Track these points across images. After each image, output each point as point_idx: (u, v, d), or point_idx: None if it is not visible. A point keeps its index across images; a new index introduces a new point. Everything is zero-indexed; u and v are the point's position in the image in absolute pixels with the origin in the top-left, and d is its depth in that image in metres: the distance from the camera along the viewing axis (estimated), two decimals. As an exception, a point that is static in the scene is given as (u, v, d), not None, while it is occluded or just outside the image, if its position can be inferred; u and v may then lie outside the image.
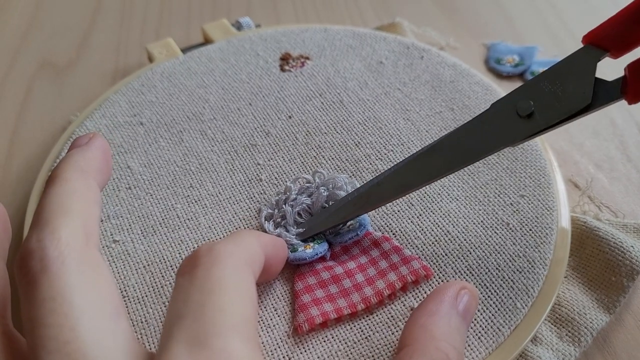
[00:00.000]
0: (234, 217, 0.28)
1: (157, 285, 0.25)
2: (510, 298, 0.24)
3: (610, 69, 0.23)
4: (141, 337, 0.23)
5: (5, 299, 0.17)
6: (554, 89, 0.22)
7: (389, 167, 0.29)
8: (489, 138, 0.23)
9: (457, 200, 0.28)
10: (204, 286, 0.16)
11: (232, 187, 0.29)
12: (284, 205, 0.27)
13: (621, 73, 0.22)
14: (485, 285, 0.24)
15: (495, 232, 0.26)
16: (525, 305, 0.24)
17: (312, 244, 0.25)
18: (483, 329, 0.23)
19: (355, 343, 0.23)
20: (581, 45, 0.23)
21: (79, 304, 0.15)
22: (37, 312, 0.15)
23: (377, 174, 0.25)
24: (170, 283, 0.25)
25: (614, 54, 0.22)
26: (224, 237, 0.27)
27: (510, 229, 0.26)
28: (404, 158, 0.24)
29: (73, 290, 0.15)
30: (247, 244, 0.19)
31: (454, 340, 0.20)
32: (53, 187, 0.18)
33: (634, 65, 0.21)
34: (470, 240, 0.26)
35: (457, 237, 0.26)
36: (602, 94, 0.22)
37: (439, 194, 0.28)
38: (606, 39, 0.22)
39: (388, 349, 0.23)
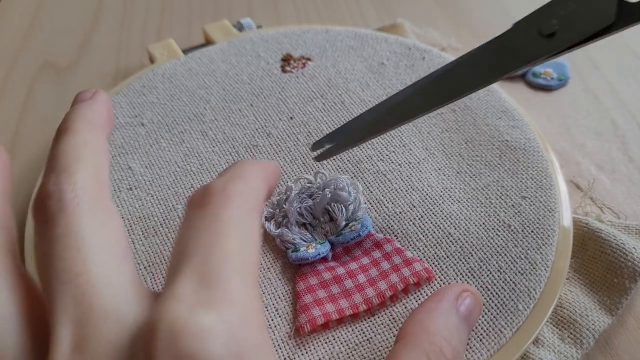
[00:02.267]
0: (235, 218, 0.28)
1: (158, 287, 0.25)
2: (512, 300, 0.24)
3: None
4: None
5: (13, 237, 0.18)
6: (577, 8, 0.22)
7: (391, 167, 0.29)
8: (510, 57, 0.23)
9: (459, 202, 0.28)
10: (214, 227, 0.16)
11: (234, 188, 0.29)
12: (284, 205, 0.27)
13: None
14: (486, 287, 0.24)
15: (496, 234, 0.26)
16: (527, 307, 0.23)
17: (314, 244, 0.25)
18: (485, 331, 0.23)
19: (356, 345, 0.23)
20: None
21: (91, 242, 0.16)
22: (52, 247, 0.16)
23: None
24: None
25: None
26: None
27: (512, 230, 0.26)
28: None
29: (86, 229, 0.16)
30: (256, 182, 0.19)
31: (451, 337, 0.20)
32: (65, 137, 0.19)
33: None
34: (471, 242, 0.26)
35: (459, 239, 0.26)
36: (626, 14, 0.21)
37: (441, 196, 0.28)
38: None
39: (389, 351, 0.22)
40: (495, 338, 0.23)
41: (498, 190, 0.28)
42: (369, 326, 0.23)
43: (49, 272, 0.15)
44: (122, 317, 0.15)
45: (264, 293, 0.24)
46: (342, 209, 0.26)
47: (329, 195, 0.26)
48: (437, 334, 0.19)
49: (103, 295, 0.15)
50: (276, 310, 0.24)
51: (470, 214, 0.27)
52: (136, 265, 0.26)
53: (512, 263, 0.25)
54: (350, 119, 0.25)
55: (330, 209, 0.26)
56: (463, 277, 0.25)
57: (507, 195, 0.28)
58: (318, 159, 0.25)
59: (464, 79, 0.23)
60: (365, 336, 0.23)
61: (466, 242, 0.26)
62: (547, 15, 0.23)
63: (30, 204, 0.29)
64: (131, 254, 0.17)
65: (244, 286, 0.15)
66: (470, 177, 0.29)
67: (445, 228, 0.26)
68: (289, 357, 0.22)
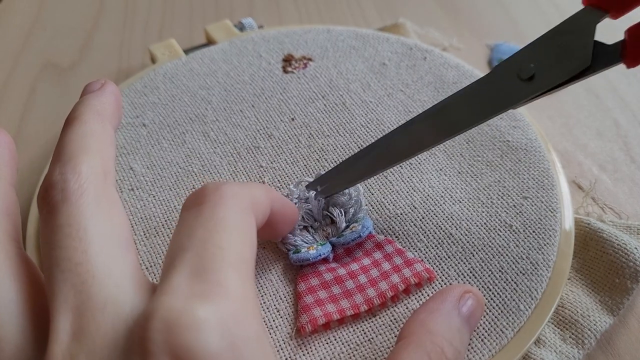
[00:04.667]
0: (236, 218, 0.28)
1: (160, 287, 0.25)
2: (514, 300, 0.24)
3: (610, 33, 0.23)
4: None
5: (17, 224, 0.18)
6: (554, 51, 0.22)
7: (392, 168, 0.29)
8: (490, 101, 0.23)
9: (460, 202, 0.28)
10: (208, 224, 0.16)
11: (235, 188, 0.29)
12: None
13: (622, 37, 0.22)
14: (488, 287, 0.24)
15: (498, 235, 0.26)
16: (529, 308, 0.23)
17: (315, 245, 0.25)
18: (486, 331, 0.23)
19: (358, 345, 0.23)
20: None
21: (93, 232, 0.16)
22: (54, 236, 0.16)
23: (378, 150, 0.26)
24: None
25: (614, 15, 0.22)
26: None
27: (514, 231, 0.26)
28: (404, 124, 0.25)
29: (88, 219, 0.16)
30: (254, 190, 0.19)
31: (453, 338, 0.20)
32: (72, 127, 0.19)
33: (633, 29, 0.21)
34: (473, 242, 0.26)
35: (460, 239, 0.26)
36: (602, 57, 0.22)
37: (442, 197, 0.28)
38: None
39: (391, 351, 0.22)
40: (496, 338, 0.23)
41: (499, 191, 0.28)
42: (370, 326, 0.23)
43: (51, 261, 0.16)
44: (119, 308, 0.15)
45: (265, 294, 0.24)
46: (341, 212, 0.26)
47: (324, 201, 0.26)
48: (438, 335, 0.19)
49: (102, 286, 0.15)
50: (277, 311, 0.24)
51: (471, 214, 0.27)
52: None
53: (513, 263, 0.25)
54: (341, 162, 0.27)
55: (329, 213, 0.26)
56: (464, 277, 0.25)
57: (509, 196, 0.28)
58: (316, 197, 0.26)
59: (447, 124, 0.24)
60: (367, 336, 0.23)
61: (467, 242, 0.26)
62: (524, 59, 0.23)
63: (35, 195, 0.29)
64: (133, 244, 0.17)
65: (239, 280, 0.15)
66: (472, 178, 0.29)
67: (446, 228, 0.26)
68: (290, 357, 0.22)
